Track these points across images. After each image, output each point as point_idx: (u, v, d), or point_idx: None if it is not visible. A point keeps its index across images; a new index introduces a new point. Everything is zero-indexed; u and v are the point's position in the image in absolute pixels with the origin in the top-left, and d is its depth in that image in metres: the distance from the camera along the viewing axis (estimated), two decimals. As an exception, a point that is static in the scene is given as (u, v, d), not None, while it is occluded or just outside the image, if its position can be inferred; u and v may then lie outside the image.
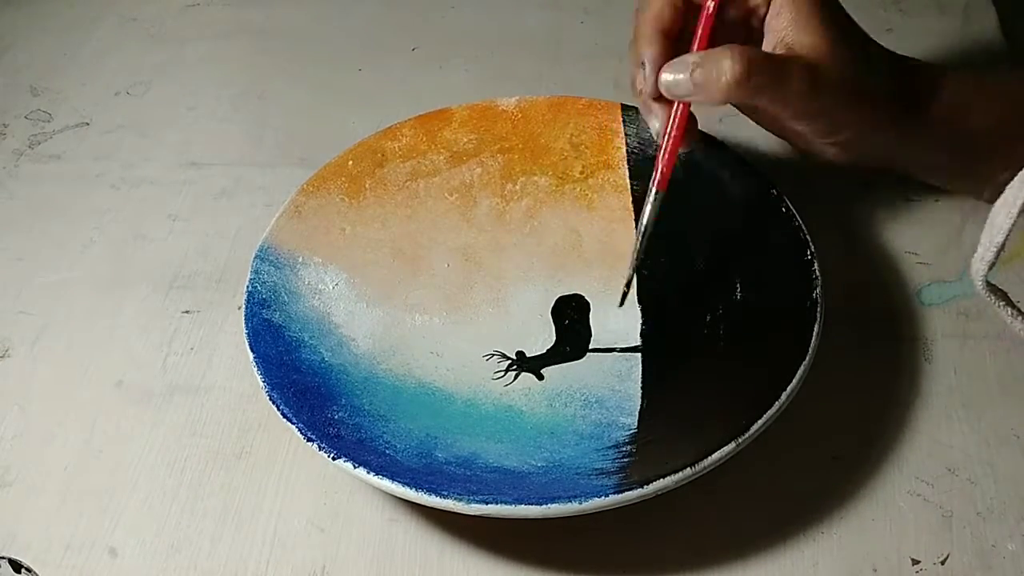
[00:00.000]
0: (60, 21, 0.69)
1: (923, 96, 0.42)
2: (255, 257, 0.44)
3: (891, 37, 0.60)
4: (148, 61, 0.65)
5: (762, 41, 0.41)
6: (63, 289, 0.51)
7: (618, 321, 0.45)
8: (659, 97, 0.41)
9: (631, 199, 0.49)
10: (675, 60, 0.39)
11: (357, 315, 0.45)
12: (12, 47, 0.67)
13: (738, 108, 0.46)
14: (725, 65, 0.37)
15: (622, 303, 0.44)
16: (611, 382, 0.43)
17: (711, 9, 0.40)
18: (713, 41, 0.40)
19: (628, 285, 0.44)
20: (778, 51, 0.40)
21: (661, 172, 0.42)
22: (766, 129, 0.46)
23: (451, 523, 0.39)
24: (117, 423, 0.44)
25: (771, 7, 0.40)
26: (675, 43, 0.41)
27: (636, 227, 0.43)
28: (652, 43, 0.40)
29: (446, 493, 0.35)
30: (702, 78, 0.38)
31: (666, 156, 0.41)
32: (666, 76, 0.39)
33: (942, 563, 0.37)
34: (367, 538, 0.40)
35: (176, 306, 0.49)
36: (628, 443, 0.39)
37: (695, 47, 0.41)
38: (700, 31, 0.40)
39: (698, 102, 0.40)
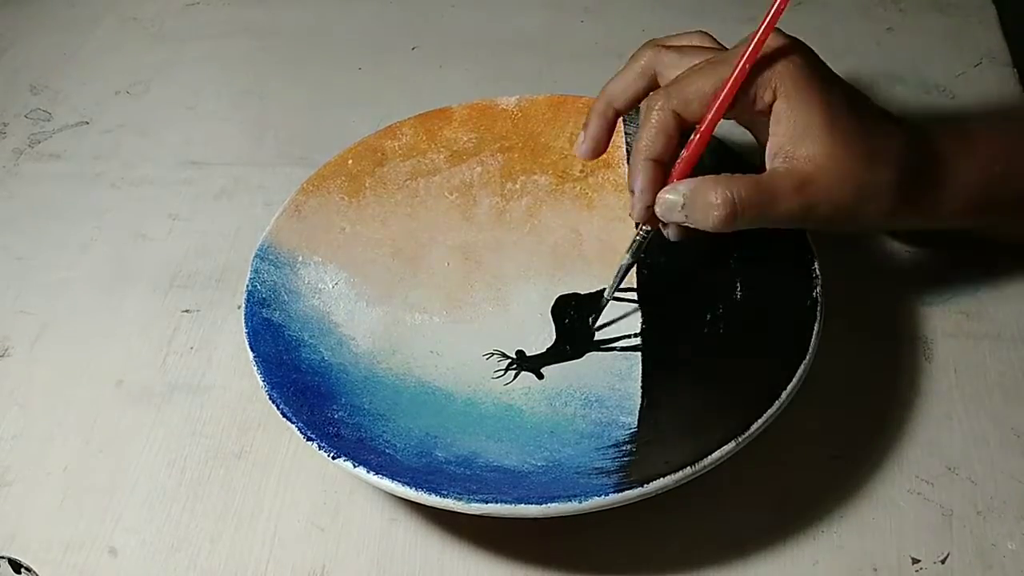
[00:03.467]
0: (60, 20, 0.69)
1: (946, 173, 0.40)
2: (255, 256, 0.44)
3: (891, 37, 0.61)
4: (148, 60, 0.65)
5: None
6: (63, 288, 0.51)
7: (618, 320, 0.45)
8: (647, 219, 0.41)
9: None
10: (660, 195, 0.39)
11: (357, 314, 0.45)
12: (12, 46, 0.67)
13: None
14: (712, 204, 0.37)
15: (594, 322, 0.45)
16: (611, 381, 0.43)
17: (691, 148, 0.39)
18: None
19: (601, 308, 0.45)
20: (777, 160, 0.38)
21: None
22: None
23: (451, 522, 0.39)
24: (117, 423, 0.44)
25: (772, 111, 0.38)
26: (666, 170, 0.40)
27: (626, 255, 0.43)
28: (641, 173, 0.39)
29: (446, 492, 0.35)
30: (691, 213, 0.38)
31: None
32: (660, 208, 0.39)
33: (942, 562, 0.37)
34: (367, 538, 0.40)
35: (176, 305, 0.49)
36: (628, 442, 0.39)
37: (676, 173, 0.40)
38: (685, 161, 0.39)
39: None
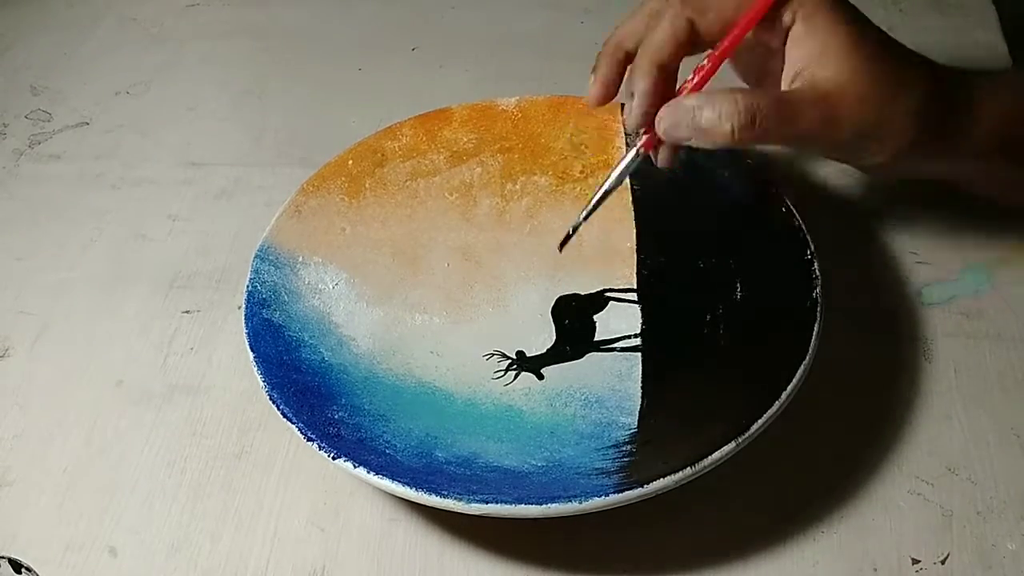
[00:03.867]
0: (60, 21, 0.69)
1: (970, 108, 0.39)
2: (255, 257, 0.44)
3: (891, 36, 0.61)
4: (148, 61, 0.65)
5: (782, 63, 0.39)
6: (63, 289, 0.51)
7: (618, 321, 0.45)
8: (640, 127, 0.40)
9: (631, 198, 0.49)
10: (674, 102, 0.37)
11: (357, 315, 0.45)
12: (12, 47, 0.67)
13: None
14: (728, 111, 0.36)
15: (561, 248, 0.43)
16: (611, 382, 0.43)
17: (713, 59, 0.38)
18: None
19: (574, 230, 0.42)
20: (796, 83, 0.37)
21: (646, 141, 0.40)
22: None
23: (451, 523, 0.39)
24: (117, 423, 0.44)
25: (790, 35, 0.37)
26: (670, 79, 0.39)
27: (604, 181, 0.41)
28: (647, 75, 0.38)
29: (446, 493, 0.35)
30: (704, 124, 0.36)
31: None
32: (665, 120, 0.37)
33: (942, 562, 0.37)
34: (367, 538, 0.40)
35: (176, 306, 0.49)
36: (628, 443, 0.39)
37: (690, 86, 0.38)
38: (702, 75, 0.38)
39: (697, 145, 0.38)
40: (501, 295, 0.47)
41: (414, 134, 0.51)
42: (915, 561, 0.38)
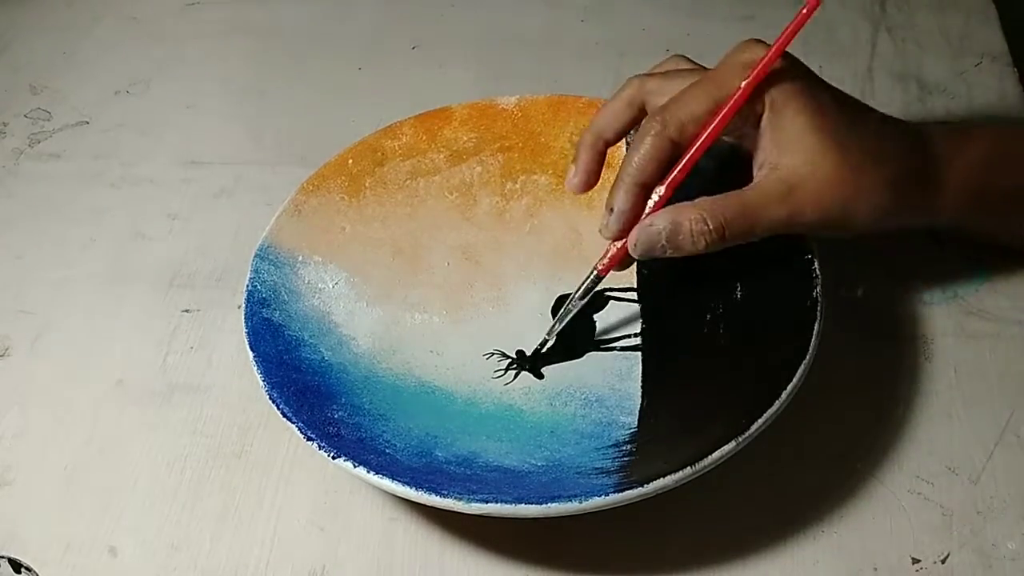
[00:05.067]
0: (59, 20, 0.69)
1: (939, 168, 0.40)
2: (255, 256, 0.44)
3: (891, 37, 0.61)
4: (148, 60, 0.65)
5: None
6: (63, 288, 0.51)
7: (618, 320, 0.45)
8: (616, 238, 0.41)
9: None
10: (645, 225, 0.39)
11: (357, 314, 0.45)
12: (11, 45, 0.67)
13: None
14: (698, 231, 0.38)
15: (537, 372, 0.44)
16: (611, 381, 0.43)
17: (682, 171, 0.39)
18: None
19: (543, 345, 0.44)
20: (763, 171, 0.39)
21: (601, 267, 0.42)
22: None
23: (451, 522, 0.39)
24: (117, 422, 0.44)
25: (761, 123, 0.39)
26: (648, 193, 0.40)
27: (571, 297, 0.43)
28: (627, 194, 0.39)
29: (446, 492, 0.35)
30: (675, 243, 0.38)
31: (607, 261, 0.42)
32: (639, 245, 0.39)
33: (942, 562, 0.37)
34: (367, 537, 0.40)
35: (176, 305, 0.49)
36: (628, 442, 0.39)
37: (660, 200, 0.39)
38: (669, 185, 0.39)
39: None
40: (501, 294, 0.47)
41: (414, 133, 0.51)
42: (915, 560, 0.38)
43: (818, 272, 0.41)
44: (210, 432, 0.44)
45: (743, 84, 0.37)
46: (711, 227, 0.38)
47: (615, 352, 0.44)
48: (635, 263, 0.43)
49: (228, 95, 0.62)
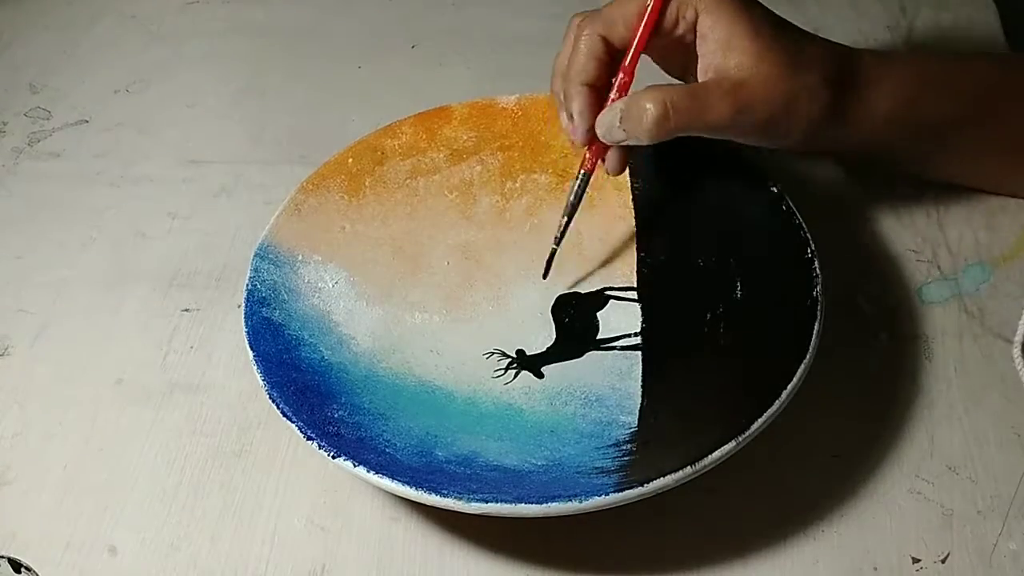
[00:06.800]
0: (59, 18, 0.69)
1: (868, 82, 0.42)
2: (255, 255, 0.44)
3: (891, 36, 0.61)
4: (147, 58, 0.65)
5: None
6: (63, 287, 0.51)
7: (618, 319, 0.45)
8: (590, 141, 0.43)
9: (631, 197, 0.49)
10: (607, 109, 0.41)
11: (357, 313, 0.45)
12: (11, 44, 0.67)
13: None
14: (645, 109, 0.39)
15: (545, 275, 0.46)
16: (611, 380, 0.43)
17: (625, 69, 0.42)
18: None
19: (551, 259, 0.46)
20: (708, 75, 0.40)
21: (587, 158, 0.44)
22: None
23: (451, 522, 0.39)
24: (117, 421, 0.44)
25: (697, 30, 0.40)
26: (602, 95, 0.42)
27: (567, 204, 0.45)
28: (578, 95, 0.42)
29: (446, 492, 0.35)
30: (628, 125, 0.40)
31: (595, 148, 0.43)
32: (600, 127, 0.41)
33: (942, 561, 0.37)
34: (367, 537, 0.40)
35: (176, 304, 0.49)
36: (628, 442, 0.39)
37: (614, 96, 0.42)
38: (620, 84, 0.42)
39: (632, 144, 0.41)
40: (501, 293, 0.47)
41: (414, 132, 0.51)
42: (915, 560, 0.38)
43: (818, 272, 0.41)
44: (210, 431, 0.44)
45: None
46: (658, 111, 0.39)
47: (615, 351, 0.44)
48: (627, 169, 0.45)
49: (228, 94, 0.62)
